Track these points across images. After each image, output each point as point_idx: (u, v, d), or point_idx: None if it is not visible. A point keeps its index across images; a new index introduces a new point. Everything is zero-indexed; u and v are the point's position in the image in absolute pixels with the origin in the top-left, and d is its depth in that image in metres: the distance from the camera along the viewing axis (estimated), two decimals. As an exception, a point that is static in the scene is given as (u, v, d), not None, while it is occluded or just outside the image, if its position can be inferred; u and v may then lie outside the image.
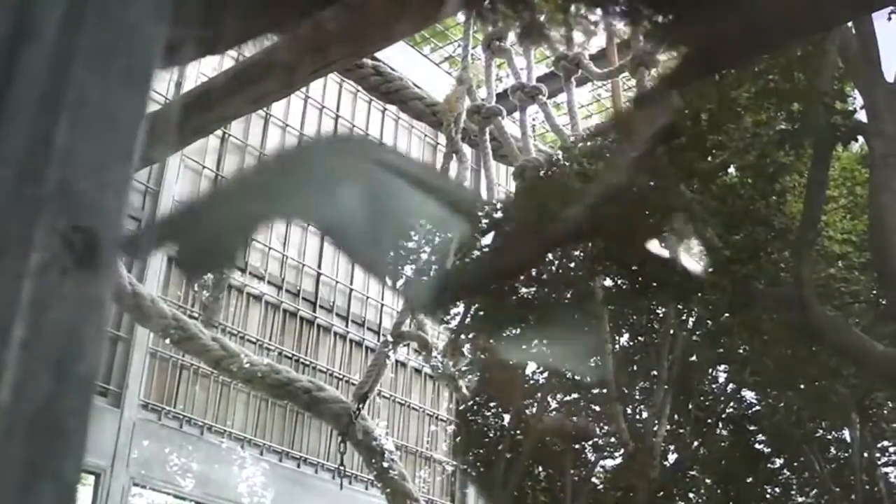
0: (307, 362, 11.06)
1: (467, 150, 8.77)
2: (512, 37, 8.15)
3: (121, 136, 0.81)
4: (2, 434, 0.71)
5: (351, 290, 11.87)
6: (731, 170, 7.03)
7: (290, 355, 10.86)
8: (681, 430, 7.66)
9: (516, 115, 8.54)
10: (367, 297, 12.03)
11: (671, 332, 7.32)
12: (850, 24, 5.53)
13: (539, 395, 7.65)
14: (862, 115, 5.77)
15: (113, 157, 0.79)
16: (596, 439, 7.76)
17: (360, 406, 7.72)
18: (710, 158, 6.88)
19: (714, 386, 7.94)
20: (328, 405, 7.71)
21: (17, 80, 0.78)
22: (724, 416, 7.92)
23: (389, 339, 8.97)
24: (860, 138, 6.00)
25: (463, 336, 8.90)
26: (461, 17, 8.97)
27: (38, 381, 0.73)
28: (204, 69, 9.64)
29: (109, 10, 0.81)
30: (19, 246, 0.74)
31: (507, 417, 7.79)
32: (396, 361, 11.44)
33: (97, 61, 0.80)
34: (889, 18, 5.84)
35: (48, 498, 0.73)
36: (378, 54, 5.84)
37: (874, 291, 6.90)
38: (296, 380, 7.93)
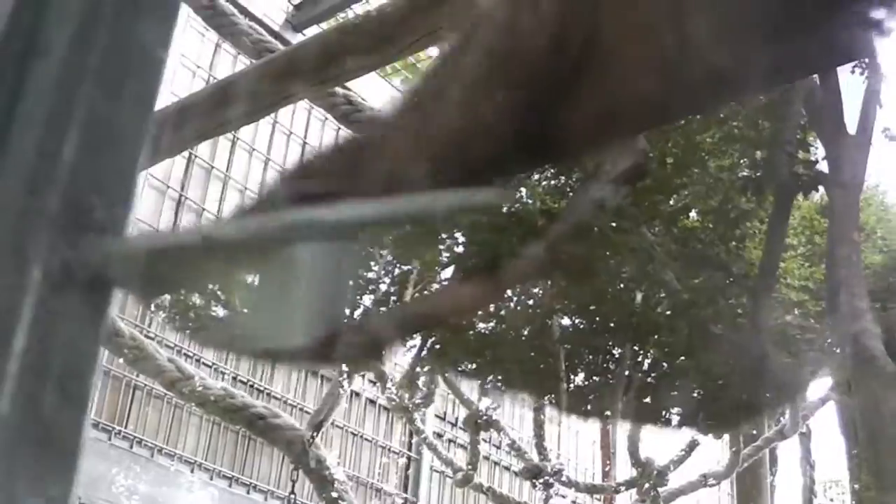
0: (262, 388, 10.99)
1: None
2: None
3: (126, 154, 0.81)
4: (-2, 446, 0.71)
5: (308, 317, 11.80)
6: (693, 213, 7.10)
7: (245, 380, 10.79)
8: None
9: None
10: (325, 325, 11.97)
11: (626, 373, 7.35)
12: (814, 76, 5.62)
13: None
14: (824, 166, 5.85)
15: (118, 174, 0.80)
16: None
17: (315, 434, 7.68)
18: (672, 201, 6.94)
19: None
20: (282, 431, 7.66)
21: (27, 94, 0.79)
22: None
23: (345, 368, 8.94)
24: (821, 188, 6.09)
25: (418, 369, 8.90)
26: (433, 50, 9.01)
27: (36, 394, 0.73)
28: (175, 88, 9.62)
29: (119, 30, 0.82)
30: (22, 258, 0.75)
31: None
32: (351, 392, 11.40)
33: (106, 80, 0.81)
34: (852, 72, 5.95)
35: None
36: (349, 84, 5.84)
37: (829, 340, 6.98)
38: (250, 405, 7.87)
